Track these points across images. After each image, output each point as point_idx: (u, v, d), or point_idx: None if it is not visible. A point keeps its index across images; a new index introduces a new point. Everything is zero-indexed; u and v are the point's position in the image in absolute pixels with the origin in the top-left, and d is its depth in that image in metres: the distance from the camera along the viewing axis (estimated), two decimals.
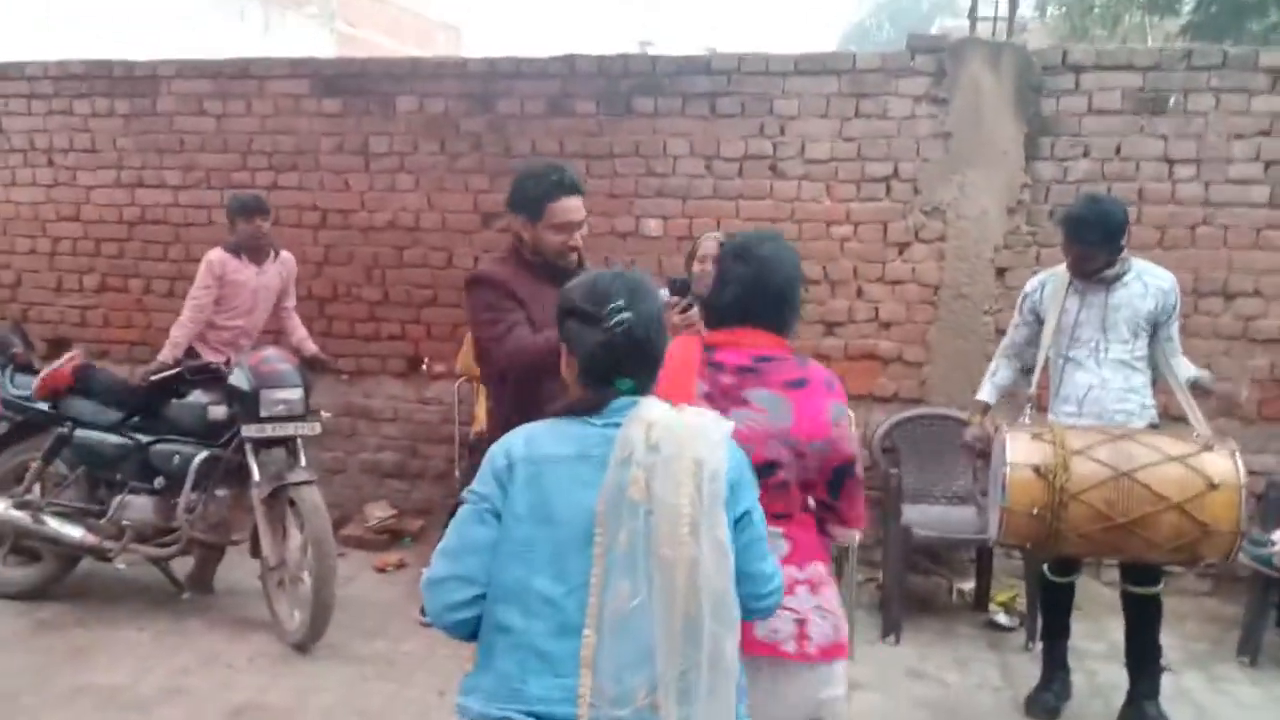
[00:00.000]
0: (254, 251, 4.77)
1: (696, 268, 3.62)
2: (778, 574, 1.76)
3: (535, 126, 5.18)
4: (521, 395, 2.58)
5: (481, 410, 4.54)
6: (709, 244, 3.75)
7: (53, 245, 5.75)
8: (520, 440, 1.68)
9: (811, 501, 2.10)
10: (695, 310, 3.11)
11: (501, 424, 2.67)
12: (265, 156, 5.46)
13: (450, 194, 5.30)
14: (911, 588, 4.61)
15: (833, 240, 4.94)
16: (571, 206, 2.75)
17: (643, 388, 1.70)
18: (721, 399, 2.00)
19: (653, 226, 5.09)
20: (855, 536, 2.15)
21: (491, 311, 2.72)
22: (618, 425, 1.62)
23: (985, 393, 3.78)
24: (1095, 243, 3.38)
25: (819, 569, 2.06)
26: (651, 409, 1.63)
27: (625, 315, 1.66)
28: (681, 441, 1.56)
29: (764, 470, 1.93)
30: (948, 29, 12.59)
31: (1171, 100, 4.64)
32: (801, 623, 1.99)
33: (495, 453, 1.69)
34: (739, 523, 1.66)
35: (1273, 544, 4.04)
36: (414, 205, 5.35)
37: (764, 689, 1.95)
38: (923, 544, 4.45)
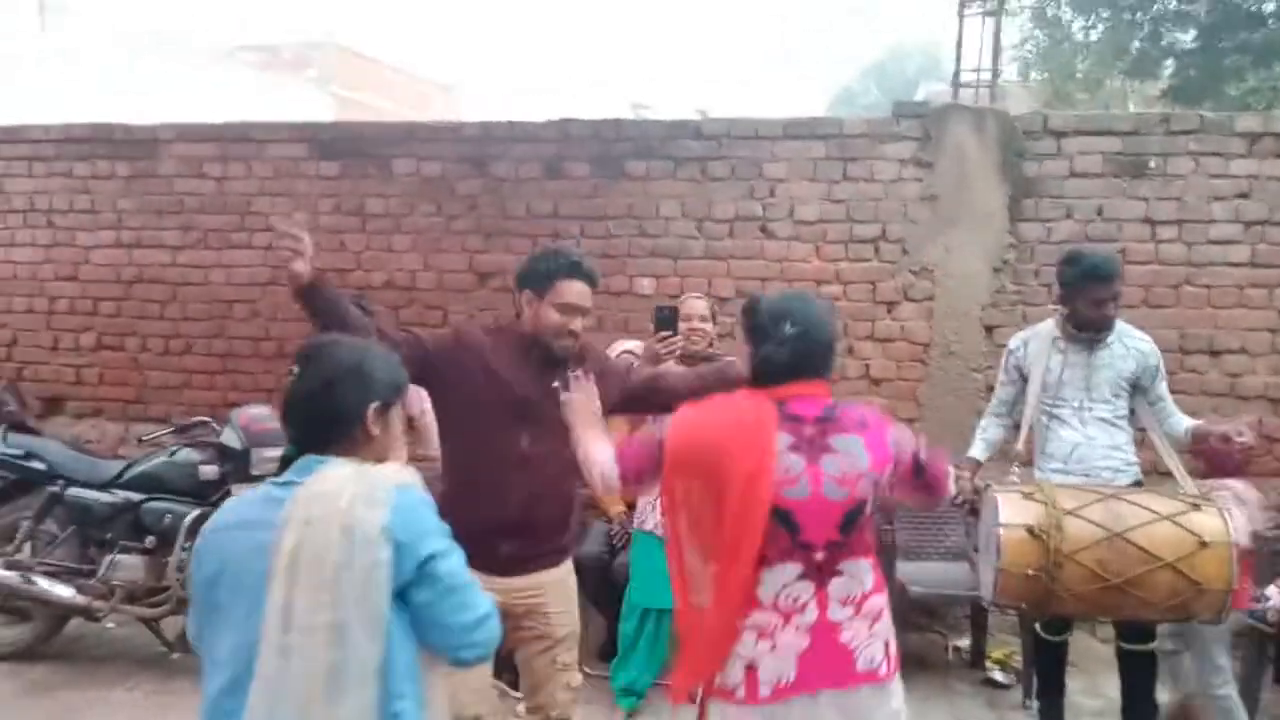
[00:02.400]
0: None
1: (683, 326, 3.69)
2: (481, 622, 1.70)
3: (530, 189, 5.27)
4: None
5: None
6: (695, 304, 3.90)
7: (50, 305, 5.79)
8: (216, 514, 1.79)
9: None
10: (678, 339, 3.22)
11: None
12: (262, 218, 5.53)
13: (446, 254, 5.37)
14: (907, 645, 4.56)
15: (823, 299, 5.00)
16: (580, 290, 2.67)
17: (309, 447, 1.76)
18: (809, 448, 2.12)
19: (646, 286, 5.16)
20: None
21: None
22: (292, 486, 1.67)
23: (977, 450, 3.82)
24: (1116, 276, 3.44)
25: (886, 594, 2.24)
26: (323, 477, 1.66)
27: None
28: (333, 510, 1.60)
29: (858, 509, 2.13)
30: (933, 93, 12.84)
31: (1151, 163, 4.75)
32: (887, 644, 2.18)
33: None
34: (419, 576, 1.64)
35: (1266, 599, 4.02)
36: (410, 265, 5.41)
37: (864, 715, 2.12)
38: (918, 600, 4.45)
